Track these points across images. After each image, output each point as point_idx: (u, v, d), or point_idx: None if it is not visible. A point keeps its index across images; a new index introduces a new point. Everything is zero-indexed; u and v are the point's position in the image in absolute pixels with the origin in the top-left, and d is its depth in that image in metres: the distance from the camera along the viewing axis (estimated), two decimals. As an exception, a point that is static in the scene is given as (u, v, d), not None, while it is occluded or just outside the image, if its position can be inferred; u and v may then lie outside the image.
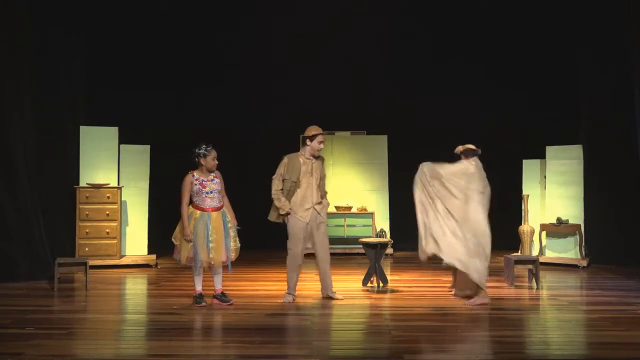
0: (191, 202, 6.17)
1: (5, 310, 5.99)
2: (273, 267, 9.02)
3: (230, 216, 6.27)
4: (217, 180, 6.21)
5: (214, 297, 6.32)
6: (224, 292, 6.32)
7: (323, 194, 6.62)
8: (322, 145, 6.57)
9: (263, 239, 10.46)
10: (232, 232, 6.20)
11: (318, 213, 6.46)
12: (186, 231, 6.02)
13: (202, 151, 6.17)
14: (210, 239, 6.03)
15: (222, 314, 5.92)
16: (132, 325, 5.68)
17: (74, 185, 9.03)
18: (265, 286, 7.45)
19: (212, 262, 6.08)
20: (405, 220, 10.80)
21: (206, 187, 6.12)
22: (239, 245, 6.27)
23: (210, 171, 6.20)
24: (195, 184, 6.12)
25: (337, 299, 6.43)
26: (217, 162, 6.23)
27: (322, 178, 6.64)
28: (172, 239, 6.21)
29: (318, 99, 10.38)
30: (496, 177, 10.88)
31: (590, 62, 9.29)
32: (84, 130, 9.34)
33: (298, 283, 6.57)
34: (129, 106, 10.02)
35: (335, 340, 5.24)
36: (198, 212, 6.09)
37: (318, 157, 6.63)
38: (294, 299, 6.40)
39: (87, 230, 8.85)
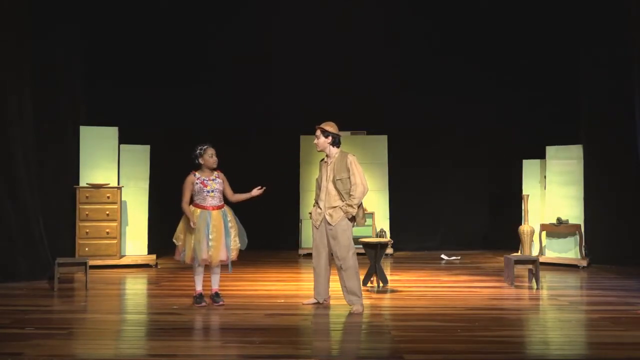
0: (192, 202, 6.17)
1: (5, 310, 5.98)
2: (273, 267, 9.03)
3: (244, 197, 6.28)
4: (219, 180, 6.21)
5: (210, 296, 6.32)
6: (218, 292, 6.31)
7: (344, 197, 5.94)
8: (315, 142, 6.17)
9: (262, 239, 10.48)
10: (233, 232, 6.19)
11: (327, 221, 5.97)
12: (192, 219, 5.99)
13: (198, 151, 6.20)
14: (210, 237, 6.03)
15: (221, 314, 5.91)
16: (132, 325, 5.68)
17: (74, 185, 9.03)
18: (265, 286, 7.44)
19: (210, 260, 6.08)
20: (406, 220, 10.90)
21: (207, 185, 6.13)
22: (239, 245, 6.25)
23: (210, 169, 6.20)
24: (197, 183, 6.12)
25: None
26: (216, 159, 6.21)
27: (343, 180, 5.95)
28: (174, 240, 6.20)
29: (318, 99, 10.39)
30: (496, 177, 11.01)
31: (590, 62, 9.28)
32: (84, 130, 9.33)
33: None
34: (129, 106, 10.03)
35: (335, 340, 5.24)
36: (199, 210, 6.09)
37: (340, 155, 6.06)
38: (314, 302, 6.28)
39: (87, 230, 8.85)
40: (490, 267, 8.98)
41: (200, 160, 6.20)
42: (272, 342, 4.88)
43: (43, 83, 8.55)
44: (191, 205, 6.15)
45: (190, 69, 10.81)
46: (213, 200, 6.14)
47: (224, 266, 6.29)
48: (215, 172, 6.25)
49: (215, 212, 6.11)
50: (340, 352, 4.88)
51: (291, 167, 10.65)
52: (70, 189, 9.02)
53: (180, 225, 6.18)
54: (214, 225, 6.06)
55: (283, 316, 5.84)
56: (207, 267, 6.27)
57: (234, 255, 6.20)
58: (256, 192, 6.30)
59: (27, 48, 8.21)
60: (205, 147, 6.22)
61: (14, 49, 7.93)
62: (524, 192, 9.84)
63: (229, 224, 6.17)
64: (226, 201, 6.32)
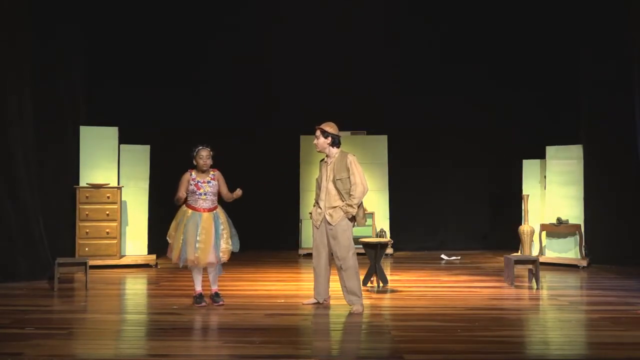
0: (185, 200, 6.18)
1: (5, 310, 5.99)
2: (272, 267, 9.03)
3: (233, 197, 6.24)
4: (213, 182, 6.21)
5: (210, 296, 6.33)
6: (218, 292, 6.32)
7: (344, 197, 5.95)
8: (314, 142, 6.18)
9: (262, 239, 10.50)
10: (225, 234, 6.18)
11: (327, 221, 6.00)
12: (185, 186, 6.09)
13: (193, 152, 6.23)
14: (198, 238, 6.03)
15: (221, 314, 5.91)
16: (132, 325, 5.68)
17: (74, 185, 9.03)
18: (265, 286, 7.44)
19: (196, 262, 6.07)
20: (406, 220, 10.90)
21: (200, 188, 6.13)
22: (231, 247, 6.22)
23: (201, 170, 6.20)
24: (191, 184, 6.14)
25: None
26: (207, 162, 6.19)
27: (343, 179, 5.96)
28: (167, 238, 6.21)
29: (318, 99, 10.39)
30: (496, 177, 11.01)
31: (590, 62, 9.28)
32: (84, 130, 9.34)
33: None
34: (129, 106, 10.04)
35: (335, 340, 5.24)
36: (190, 210, 6.11)
37: (340, 155, 6.08)
38: (314, 302, 6.28)
39: (87, 230, 8.85)
40: (490, 267, 8.98)
41: (194, 161, 6.23)
42: (272, 342, 4.88)
43: (43, 83, 8.55)
44: (184, 205, 6.18)
45: (190, 69, 10.80)
46: (205, 203, 6.14)
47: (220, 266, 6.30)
48: (212, 173, 6.25)
49: (205, 214, 6.11)
50: (340, 352, 4.88)
51: (291, 167, 10.65)
52: (70, 189, 9.02)
53: (173, 224, 6.19)
54: (204, 227, 6.06)
55: (283, 316, 5.84)
56: (206, 267, 6.26)
57: (225, 257, 6.18)
58: (238, 192, 6.25)
59: (27, 48, 8.21)
60: (199, 148, 6.24)
61: (15, 49, 7.93)
62: (524, 192, 9.84)
63: (221, 226, 6.16)
64: (223, 201, 6.32)
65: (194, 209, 6.11)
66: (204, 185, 6.15)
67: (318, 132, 6.12)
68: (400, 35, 10.86)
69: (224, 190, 6.28)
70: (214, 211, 6.18)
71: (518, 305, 6.46)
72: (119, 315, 6.13)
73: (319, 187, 6.20)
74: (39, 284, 7.48)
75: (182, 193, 6.14)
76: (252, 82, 10.94)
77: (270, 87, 10.97)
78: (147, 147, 9.74)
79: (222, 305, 6.19)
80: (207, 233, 6.06)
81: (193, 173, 6.21)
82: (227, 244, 6.17)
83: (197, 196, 6.12)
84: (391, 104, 10.86)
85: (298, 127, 10.25)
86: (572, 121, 9.74)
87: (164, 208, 9.18)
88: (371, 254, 7.17)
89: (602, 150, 9.12)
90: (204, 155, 6.19)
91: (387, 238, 9.33)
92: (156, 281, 7.94)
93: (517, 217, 9.93)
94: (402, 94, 10.85)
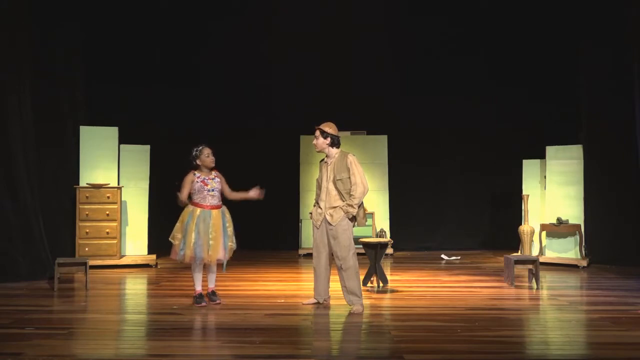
0: (190, 200, 6.18)
1: (5, 310, 5.99)
2: (273, 267, 9.03)
3: (240, 197, 6.29)
4: (217, 179, 6.25)
5: (207, 294, 6.34)
6: (215, 291, 6.34)
7: (344, 197, 5.96)
8: (314, 142, 6.19)
9: (262, 239, 10.50)
10: (230, 232, 6.21)
11: (328, 221, 6.00)
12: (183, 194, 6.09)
13: (195, 153, 6.26)
14: (210, 236, 6.05)
15: (221, 314, 5.92)
16: (132, 325, 5.68)
17: (74, 185, 9.03)
18: (265, 286, 7.44)
19: (210, 260, 6.10)
20: (406, 220, 10.90)
21: (208, 184, 6.16)
22: (234, 246, 6.27)
23: (209, 168, 6.24)
24: (197, 182, 6.15)
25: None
26: (213, 158, 6.26)
27: (344, 180, 5.96)
28: (170, 239, 6.19)
29: (318, 99, 10.39)
30: (496, 177, 11.01)
31: (590, 62, 9.28)
32: (84, 130, 9.34)
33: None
34: (129, 106, 10.04)
35: (335, 340, 5.24)
36: (198, 209, 6.10)
37: (340, 155, 6.08)
38: (314, 302, 6.28)
39: (87, 230, 8.85)
40: (490, 267, 8.98)
41: (198, 161, 6.25)
42: (272, 342, 4.88)
43: (43, 83, 8.56)
44: (190, 205, 6.17)
45: (190, 68, 10.80)
46: (213, 199, 6.16)
47: (219, 265, 6.31)
48: (213, 172, 6.28)
49: (215, 212, 6.14)
50: (340, 352, 4.88)
51: (291, 167, 10.66)
52: (70, 189, 9.02)
53: (178, 225, 6.17)
54: (214, 225, 6.08)
55: (283, 316, 5.84)
56: (204, 266, 6.28)
57: (228, 255, 6.22)
58: (253, 193, 6.29)
59: (27, 48, 8.21)
60: (200, 147, 6.28)
61: (14, 49, 7.93)
62: (524, 192, 9.84)
63: (227, 224, 6.19)
64: (224, 199, 6.34)
65: (202, 207, 6.12)
66: (210, 182, 6.19)
67: (317, 133, 6.13)
68: (401, 35, 10.85)
69: (227, 189, 6.32)
70: (221, 209, 6.21)
71: (518, 305, 6.46)
72: (119, 315, 6.13)
73: (319, 188, 6.20)
74: (39, 284, 7.48)
75: (186, 193, 6.15)
76: (252, 82, 10.94)
77: (270, 87, 10.97)
78: (147, 147, 9.74)
79: (219, 303, 6.21)
80: (217, 230, 6.09)
81: (196, 172, 6.23)
82: (232, 242, 6.22)
83: (206, 192, 6.14)
84: (391, 104, 10.87)
85: (298, 127, 10.25)
86: (572, 121, 9.74)
87: (164, 208, 9.21)
88: (371, 254, 7.17)
89: (602, 150, 9.12)
90: (210, 152, 6.26)
91: (387, 238, 9.32)
92: (156, 281, 7.94)
93: (517, 217, 9.93)
94: (402, 94, 10.86)
